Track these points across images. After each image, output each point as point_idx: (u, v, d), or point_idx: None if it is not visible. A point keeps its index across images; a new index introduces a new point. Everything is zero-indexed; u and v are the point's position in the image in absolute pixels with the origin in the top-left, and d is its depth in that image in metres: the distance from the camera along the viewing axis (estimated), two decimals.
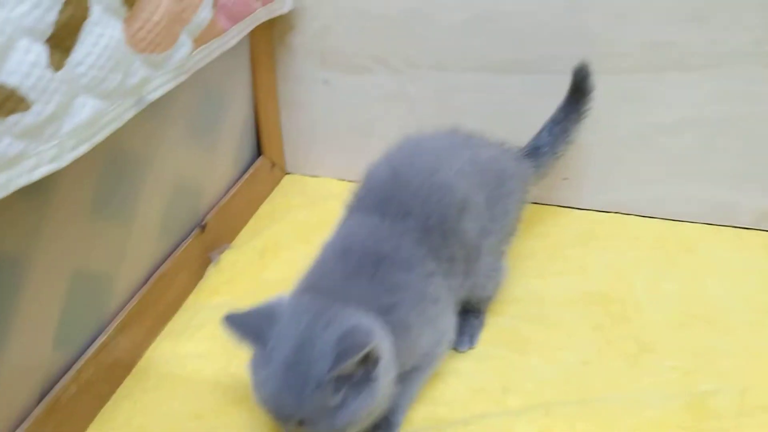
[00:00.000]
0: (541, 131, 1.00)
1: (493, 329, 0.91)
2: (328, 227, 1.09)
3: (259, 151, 1.17)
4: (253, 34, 1.06)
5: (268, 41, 1.11)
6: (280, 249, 1.05)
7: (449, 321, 0.81)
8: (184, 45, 0.77)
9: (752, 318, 0.91)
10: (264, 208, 1.17)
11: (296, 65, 1.15)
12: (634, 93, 1.03)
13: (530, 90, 1.06)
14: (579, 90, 0.98)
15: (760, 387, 0.81)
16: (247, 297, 0.95)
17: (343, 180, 1.23)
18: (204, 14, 0.78)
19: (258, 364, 0.66)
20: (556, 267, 1.02)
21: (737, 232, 1.09)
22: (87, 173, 0.73)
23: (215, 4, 0.81)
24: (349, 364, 0.61)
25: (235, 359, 0.85)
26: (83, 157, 0.71)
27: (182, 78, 0.79)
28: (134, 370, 0.84)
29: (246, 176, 1.11)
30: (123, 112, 0.69)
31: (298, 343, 0.64)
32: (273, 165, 1.20)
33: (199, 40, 0.80)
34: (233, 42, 0.90)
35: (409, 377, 0.76)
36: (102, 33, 0.62)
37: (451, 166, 0.82)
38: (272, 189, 1.21)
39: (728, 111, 1.01)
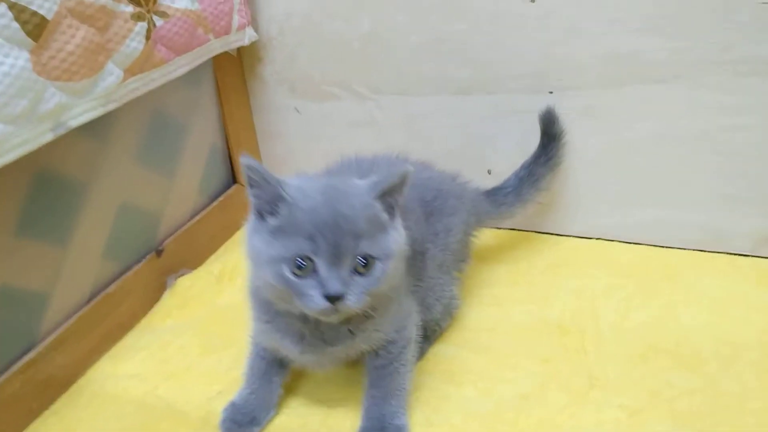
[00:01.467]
0: (511, 175, 0.99)
1: (432, 358, 0.86)
2: None
3: (234, 179, 1.19)
4: (218, 65, 1.10)
5: (238, 72, 1.14)
6: (238, 274, 1.05)
7: (413, 311, 0.78)
8: (111, 74, 0.80)
9: (724, 353, 0.81)
10: (238, 236, 1.18)
11: (268, 95, 1.17)
12: (599, 109, 0.97)
13: (492, 111, 1.03)
14: (546, 135, 0.97)
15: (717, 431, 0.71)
16: (199, 321, 0.97)
17: None
18: (134, 45, 0.82)
19: (286, 208, 0.64)
20: (517, 294, 0.96)
21: (731, 260, 0.98)
22: (10, 193, 0.77)
23: (148, 36, 0.84)
24: (392, 183, 0.65)
25: (165, 381, 0.86)
26: (6, 177, 0.76)
27: (113, 105, 0.82)
28: (72, 389, 0.86)
29: (215, 204, 1.13)
30: (38, 136, 0.73)
31: (332, 184, 0.67)
32: None
33: (132, 70, 0.84)
34: (180, 72, 0.93)
35: (384, 373, 0.74)
36: (2, 61, 0.66)
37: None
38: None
39: (702, 125, 0.92)
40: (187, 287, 1.03)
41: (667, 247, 1.02)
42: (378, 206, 0.66)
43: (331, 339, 0.70)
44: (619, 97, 0.94)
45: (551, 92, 0.98)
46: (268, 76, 1.16)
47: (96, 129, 0.88)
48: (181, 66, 0.93)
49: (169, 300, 1.01)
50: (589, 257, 1.03)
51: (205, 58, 0.98)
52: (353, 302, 0.63)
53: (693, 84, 0.90)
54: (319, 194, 0.65)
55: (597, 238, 1.07)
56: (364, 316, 0.69)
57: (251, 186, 0.65)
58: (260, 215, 0.66)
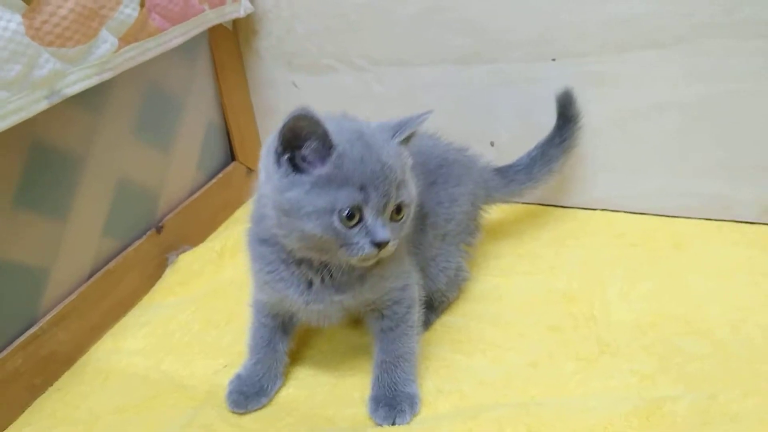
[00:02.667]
0: (523, 154, 0.97)
1: (440, 328, 0.85)
2: None
3: (233, 156, 1.18)
4: (214, 39, 1.08)
5: (234, 46, 1.12)
6: (239, 250, 1.03)
7: (413, 270, 0.77)
8: (106, 41, 0.79)
9: (733, 318, 0.80)
10: (239, 213, 1.17)
11: (265, 70, 1.15)
12: (602, 76, 0.95)
13: (494, 81, 1.01)
14: (563, 116, 0.95)
15: (732, 393, 0.70)
16: (202, 297, 0.96)
17: None
18: (128, 11, 0.80)
19: (337, 158, 0.62)
20: (523, 266, 0.95)
21: (737, 227, 0.97)
22: (7, 163, 0.76)
23: (142, 3, 0.82)
24: (416, 128, 0.68)
25: (168, 356, 0.85)
26: (1, 147, 0.74)
27: (108, 74, 0.80)
28: (75, 365, 0.85)
29: (215, 181, 1.11)
30: (32, 104, 0.71)
31: (362, 130, 0.66)
32: (250, 171, 1.20)
33: (127, 38, 0.82)
34: (176, 42, 0.91)
35: (393, 336, 0.74)
36: None
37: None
38: (250, 195, 1.20)
39: (707, 91, 0.91)
40: (189, 264, 1.01)
41: (672, 216, 1.01)
42: (406, 153, 0.68)
43: (341, 286, 0.69)
44: (622, 63, 0.93)
45: (554, 59, 0.96)
46: (264, 51, 1.14)
47: (92, 101, 0.86)
48: (176, 36, 0.91)
49: (170, 277, 1.00)
50: (595, 228, 1.02)
51: (200, 29, 0.96)
52: (393, 247, 0.65)
53: (696, 49, 0.88)
54: (357, 139, 0.64)
55: (602, 209, 1.05)
56: (375, 262, 0.68)
57: (304, 137, 0.61)
58: (297, 168, 0.63)
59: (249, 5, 1.05)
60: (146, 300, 0.97)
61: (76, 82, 0.76)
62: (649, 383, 0.73)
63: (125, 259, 0.93)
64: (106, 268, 0.90)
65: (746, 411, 0.68)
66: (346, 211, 0.62)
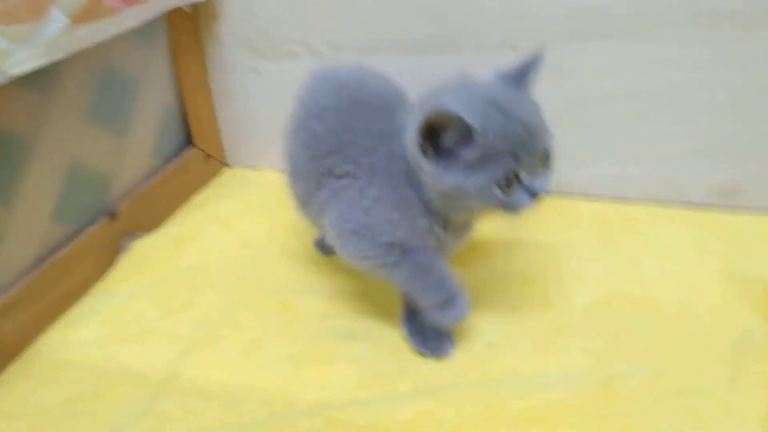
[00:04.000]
0: None
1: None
2: (253, 216, 1.08)
3: (190, 141, 1.16)
4: (172, 22, 1.06)
5: (193, 30, 1.10)
6: (198, 237, 1.02)
7: None
8: (56, 20, 0.76)
9: (682, 297, 0.84)
10: (196, 199, 1.15)
11: (225, 54, 1.13)
12: (561, 66, 0.97)
13: (456, 70, 1.01)
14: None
15: (677, 369, 0.73)
16: (158, 285, 0.94)
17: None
18: None
19: (481, 138, 0.64)
20: (479, 251, 0.96)
21: (686, 210, 1.01)
22: None
23: None
24: (536, 71, 0.71)
25: (123, 345, 0.83)
26: None
27: (58, 55, 0.77)
28: (23, 357, 0.82)
29: (171, 166, 1.09)
30: None
31: (492, 95, 0.67)
32: (208, 157, 1.18)
33: (79, 18, 0.79)
34: (131, 24, 0.88)
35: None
36: None
37: None
38: (208, 181, 1.19)
39: (659, 80, 0.94)
40: (144, 250, 0.99)
41: (625, 200, 1.04)
42: (535, 99, 0.70)
43: (459, 233, 0.77)
44: (581, 52, 0.95)
45: (514, 49, 0.97)
46: (224, 35, 1.12)
47: (42, 83, 0.83)
48: (132, 18, 0.88)
49: (125, 264, 0.97)
50: (550, 213, 1.04)
51: (158, 11, 0.94)
52: (547, 192, 0.69)
53: (653, 38, 0.91)
54: (492, 110, 0.65)
55: (557, 194, 1.07)
56: None
57: (442, 131, 0.65)
58: (448, 153, 0.66)
59: None
60: (99, 288, 0.94)
61: (22, 62, 0.73)
62: (603, 361, 0.75)
63: (77, 247, 0.90)
64: (56, 255, 0.88)
65: (693, 386, 0.71)
66: (504, 181, 0.65)
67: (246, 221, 1.07)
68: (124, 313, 0.89)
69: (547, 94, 0.97)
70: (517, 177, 0.66)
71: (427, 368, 0.77)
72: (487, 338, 0.80)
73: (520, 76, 0.69)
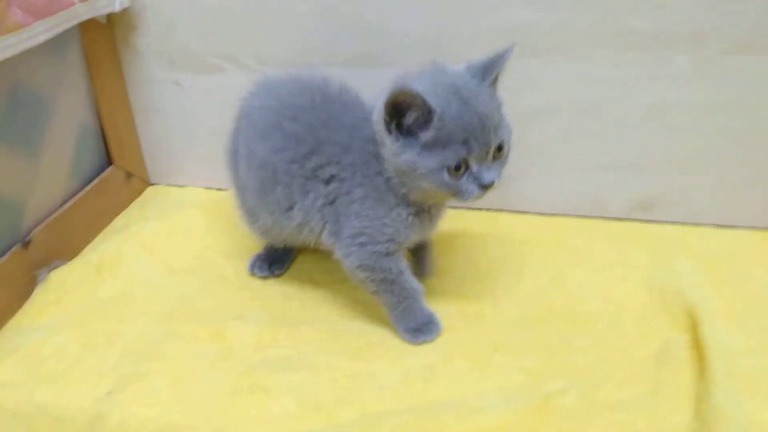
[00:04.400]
0: None
1: (338, 336, 0.85)
2: (179, 237, 1.04)
3: (109, 160, 1.09)
4: (87, 35, 1.00)
5: (109, 42, 1.04)
6: (120, 263, 0.97)
7: None
8: None
9: (609, 310, 0.87)
10: (118, 222, 1.09)
11: (144, 67, 1.08)
12: None
13: (384, 85, 1.01)
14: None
15: (612, 383, 0.76)
16: (78, 317, 0.88)
17: (210, 188, 1.16)
18: None
19: (438, 121, 0.69)
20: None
21: (610, 224, 1.05)
22: None
23: None
24: (502, 65, 0.74)
25: (41, 385, 0.77)
26: None
27: None
28: None
29: (90, 188, 1.03)
30: None
31: (453, 83, 0.72)
32: (129, 175, 1.13)
33: None
34: (40, 39, 0.83)
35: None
36: None
37: None
38: (130, 201, 1.13)
39: (585, 97, 0.97)
40: (62, 281, 0.92)
41: (553, 215, 1.08)
42: (496, 93, 0.74)
43: (435, 220, 0.82)
44: (507, 69, 0.96)
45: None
46: (143, 47, 1.06)
47: None
48: (41, 32, 0.83)
49: (41, 296, 0.91)
50: (482, 229, 1.06)
51: (69, 25, 0.88)
52: (498, 184, 0.73)
53: (574, 56, 0.94)
54: (453, 97, 0.69)
55: (486, 209, 1.10)
56: None
57: (405, 109, 0.69)
58: (410, 133, 0.71)
59: None
60: (13, 323, 0.87)
61: None
62: (539, 379, 0.77)
63: None
64: None
65: (625, 400, 0.74)
66: (453, 166, 0.70)
67: (172, 244, 1.02)
68: (42, 349, 0.82)
69: None
70: (467, 165, 0.71)
71: (368, 395, 0.76)
72: (425, 359, 0.81)
73: (486, 70, 0.73)
